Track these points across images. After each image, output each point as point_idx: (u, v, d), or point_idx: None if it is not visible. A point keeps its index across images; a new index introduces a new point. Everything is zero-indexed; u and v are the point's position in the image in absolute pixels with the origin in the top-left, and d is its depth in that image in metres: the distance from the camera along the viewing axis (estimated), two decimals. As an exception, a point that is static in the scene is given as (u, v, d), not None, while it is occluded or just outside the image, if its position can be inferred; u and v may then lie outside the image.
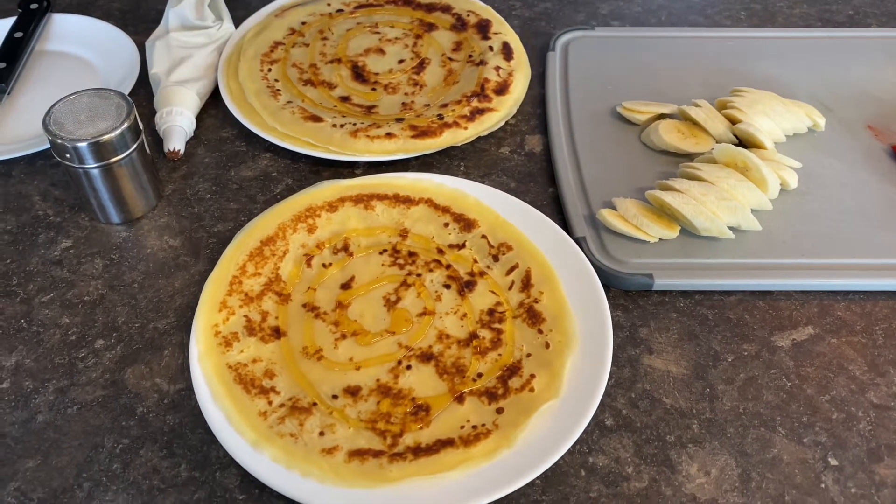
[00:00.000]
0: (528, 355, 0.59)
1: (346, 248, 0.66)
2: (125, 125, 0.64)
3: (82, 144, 0.63)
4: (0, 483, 0.53)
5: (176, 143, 0.73)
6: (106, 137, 0.63)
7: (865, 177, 0.72)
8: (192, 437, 0.55)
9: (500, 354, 0.59)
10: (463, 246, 0.66)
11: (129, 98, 0.66)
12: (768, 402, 0.58)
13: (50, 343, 0.61)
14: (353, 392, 0.56)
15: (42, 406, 0.57)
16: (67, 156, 0.64)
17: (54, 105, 0.65)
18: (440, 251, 0.66)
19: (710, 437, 0.56)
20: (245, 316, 0.60)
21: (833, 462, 0.54)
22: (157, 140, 0.75)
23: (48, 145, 0.70)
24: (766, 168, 0.67)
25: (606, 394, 0.57)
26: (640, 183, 0.70)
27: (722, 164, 0.68)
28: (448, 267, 0.65)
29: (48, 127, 0.63)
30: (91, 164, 0.64)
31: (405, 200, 0.68)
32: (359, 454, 0.53)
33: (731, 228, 0.65)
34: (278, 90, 0.78)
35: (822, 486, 0.53)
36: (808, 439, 0.56)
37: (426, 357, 0.59)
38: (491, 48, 0.82)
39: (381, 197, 0.68)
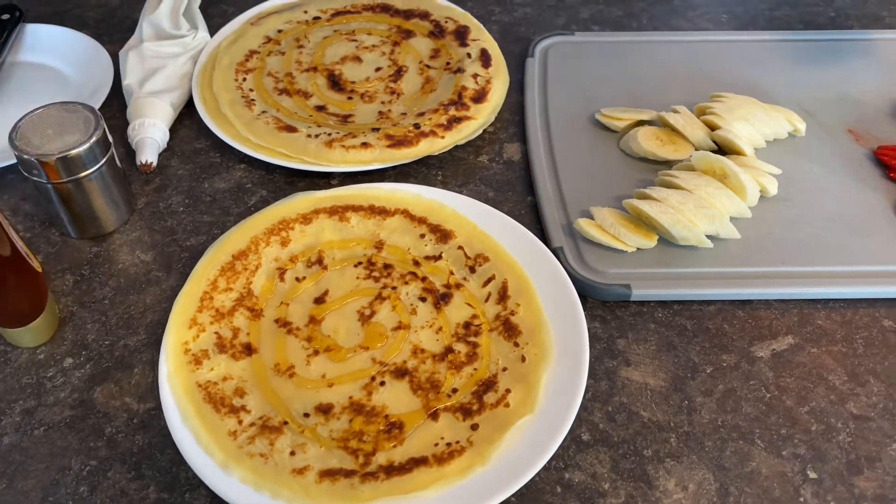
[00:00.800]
0: (504, 369, 0.58)
1: (320, 261, 0.65)
2: (93, 139, 0.63)
3: (49, 160, 0.62)
4: (-36, 508, 0.52)
5: (148, 155, 0.72)
6: (74, 152, 0.62)
7: (846, 182, 0.71)
8: (162, 458, 0.54)
9: (475, 369, 0.58)
10: (439, 257, 0.65)
11: (97, 111, 0.65)
12: (747, 414, 0.57)
13: (17, 362, 0.60)
14: (325, 410, 0.56)
15: (8, 427, 0.56)
16: (35, 171, 0.63)
17: (20, 120, 0.64)
18: (416, 263, 0.65)
19: (687, 450, 0.55)
20: (216, 332, 0.59)
21: (812, 475, 0.54)
22: (129, 152, 0.74)
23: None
24: (745, 175, 0.66)
25: (583, 407, 0.57)
26: (619, 191, 0.70)
27: (700, 172, 0.68)
28: (424, 279, 0.64)
29: (14, 142, 0.62)
30: (59, 179, 0.63)
31: (381, 212, 0.68)
32: (330, 474, 0.52)
33: (709, 237, 0.65)
34: (253, 100, 0.77)
35: (802, 499, 0.52)
36: (787, 452, 0.55)
37: (400, 373, 0.58)
38: (469, 55, 0.81)
39: (357, 208, 0.68)
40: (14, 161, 0.70)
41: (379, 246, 0.66)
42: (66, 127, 0.63)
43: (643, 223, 0.66)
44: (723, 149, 0.72)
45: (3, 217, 0.54)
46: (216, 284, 0.61)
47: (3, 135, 0.74)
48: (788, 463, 0.54)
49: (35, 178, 0.63)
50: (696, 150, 0.71)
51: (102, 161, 0.64)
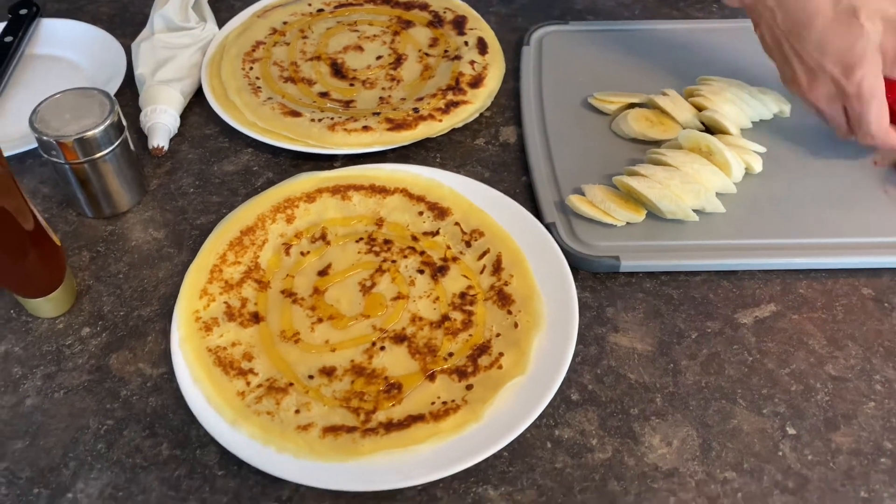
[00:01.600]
0: (498, 335, 0.61)
1: (323, 237, 0.68)
2: (108, 121, 0.66)
3: (67, 141, 0.65)
4: (-10, 463, 0.55)
5: (160, 139, 0.76)
6: (90, 133, 0.66)
7: (828, 160, 0.74)
8: (174, 418, 0.58)
9: (470, 335, 0.61)
10: (437, 233, 0.68)
11: (111, 96, 0.68)
12: (730, 376, 0.60)
13: (38, 332, 0.63)
14: (328, 372, 0.59)
15: (30, 391, 0.59)
16: (53, 152, 0.66)
17: (40, 104, 0.67)
18: (415, 238, 0.68)
19: (672, 409, 0.58)
20: (225, 302, 0.62)
21: (791, 431, 0.56)
22: (142, 138, 0.78)
23: (36, 144, 0.72)
24: (729, 152, 0.69)
25: (573, 370, 0.59)
26: (610, 170, 0.72)
27: (687, 150, 0.71)
28: (422, 253, 0.67)
29: (34, 125, 0.66)
30: (76, 159, 0.67)
31: (381, 190, 0.71)
32: (333, 430, 0.55)
33: (695, 211, 0.68)
34: (259, 87, 0.80)
35: (780, 453, 0.55)
36: (767, 410, 0.58)
37: (399, 338, 0.61)
38: (466, 43, 0.85)
39: (358, 188, 0.71)
40: (32, 146, 0.74)
41: (379, 223, 0.69)
42: (83, 111, 0.67)
43: (632, 199, 0.68)
44: (710, 129, 0.75)
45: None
46: (225, 258, 0.65)
47: (21, 122, 0.78)
48: (768, 420, 0.57)
49: (53, 159, 0.67)
50: (683, 129, 0.74)
51: (117, 143, 0.68)
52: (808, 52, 0.66)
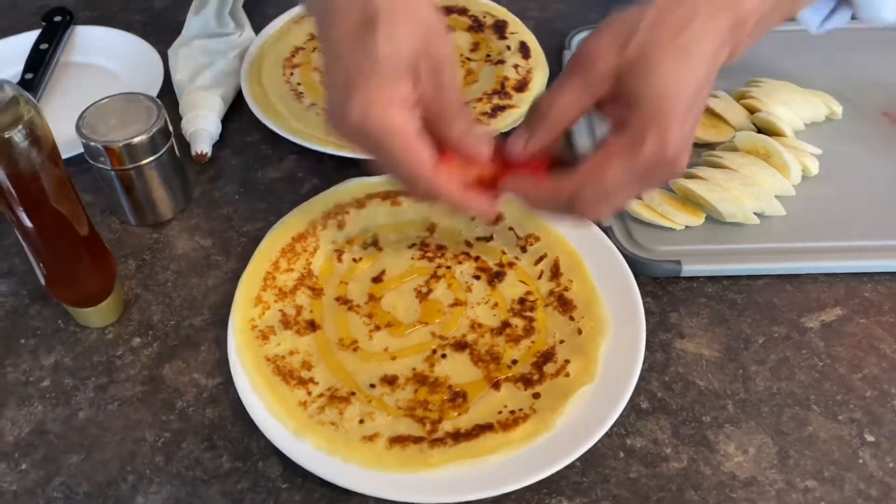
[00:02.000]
0: (562, 342, 0.59)
1: (375, 243, 0.67)
2: (156, 128, 0.65)
3: (114, 147, 0.64)
4: (45, 478, 0.53)
5: (203, 145, 0.74)
6: (137, 140, 0.64)
7: (884, 162, 0.73)
8: (233, 430, 0.56)
9: (532, 341, 0.59)
10: (490, 238, 0.67)
11: (158, 101, 0.67)
12: (801, 381, 0.58)
13: (87, 342, 0.61)
14: (390, 381, 0.57)
15: (83, 403, 0.58)
16: (101, 159, 0.65)
17: (86, 110, 0.66)
18: (468, 244, 0.67)
19: (745, 416, 0.56)
20: (280, 310, 0.61)
21: (870, 438, 0.55)
22: (183, 145, 0.76)
23: (77, 151, 0.71)
24: (788, 154, 0.68)
25: (640, 377, 0.57)
26: (663, 173, 0.71)
27: (744, 152, 0.69)
28: (477, 259, 0.65)
29: (81, 130, 0.64)
30: (123, 166, 0.65)
31: (431, 196, 0.69)
32: (399, 440, 0.53)
33: (755, 214, 0.66)
34: (301, 93, 0.79)
35: (861, 461, 0.53)
36: (843, 417, 0.56)
37: (460, 346, 0.59)
38: (508, 47, 0.83)
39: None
40: (75, 153, 0.73)
41: (431, 228, 0.68)
42: (129, 116, 0.66)
43: (690, 202, 0.67)
44: (762, 131, 0.74)
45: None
46: (278, 265, 0.63)
47: (59, 128, 0.76)
48: (845, 427, 0.55)
49: (100, 165, 0.65)
50: (738, 131, 0.73)
51: (164, 149, 0.67)
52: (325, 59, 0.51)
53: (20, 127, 0.49)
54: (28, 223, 0.53)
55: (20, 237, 0.55)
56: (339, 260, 0.65)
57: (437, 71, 0.50)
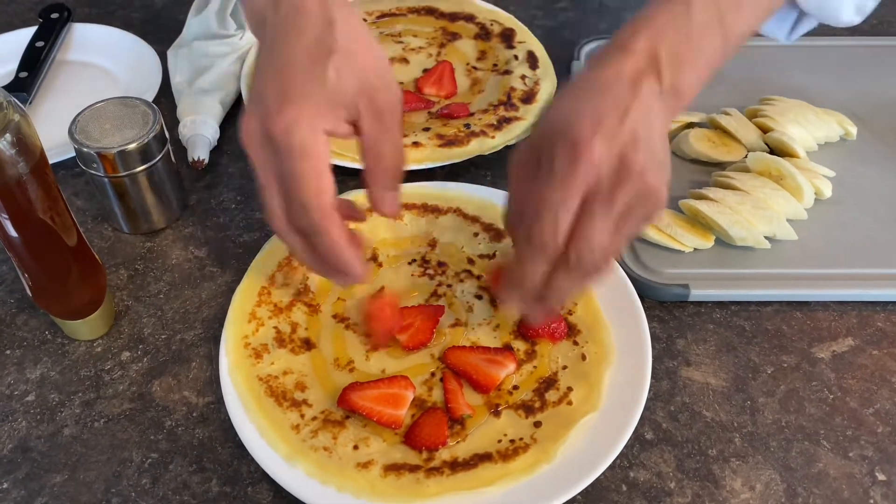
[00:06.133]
0: (565, 367, 0.57)
1: (374, 259, 0.65)
2: (151, 134, 0.63)
3: (108, 153, 0.62)
4: (27, 498, 0.52)
5: (200, 152, 0.72)
6: (132, 146, 0.62)
7: (899, 185, 0.71)
8: (223, 452, 0.54)
9: (535, 366, 0.58)
10: (493, 256, 0.65)
11: (154, 106, 0.65)
12: (811, 414, 0.56)
13: (75, 355, 0.59)
14: (386, 405, 0.55)
15: (68, 419, 0.56)
16: (93, 165, 0.63)
17: (80, 113, 0.64)
18: (470, 261, 0.65)
19: (752, 450, 0.54)
20: (275, 327, 0.59)
21: (881, 477, 0.53)
22: (179, 149, 0.74)
23: (70, 154, 0.69)
24: (802, 177, 0.66)
25: (645, 406, 0.55)
26: (672, 192, 0.69)
27: (756, 173, 0.67)
28: (479, 277, 0.63)
29: (74, 135, 0.62)
30: (116, 173, 0.63)
31: (433, 210, 0.67)
32: (395, 468, 0.51)
33: (766, 238, 0.64)
34: (302, 99, 0.77)
35: (871, 501, 0.52)
36: (853, 453, 0.54)
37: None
38: (516, 57, 0.81)
39: (410, 206, 0.67)
40: (67, 156, 0.71)
41: (432, 244, 0.66)
42: (125, 121, 0.64)
43: (699, 223, 0.65)
44: (775, 151, 0.72)
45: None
46: (274, 280, 0.61)
47: (54, 129, 0.75)
48: (856, 464, 0.54)
49: (92, 172, 0.63)
50: (749, 151, 0.71)
51: (159, 157, 0.65)
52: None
53: (7, 134, 0.47)
54: (13, 234, 0.51)
55: (5, 247, 0.53)
56: (337, 275, 0.63)
57: (379, 114, 0.50)
